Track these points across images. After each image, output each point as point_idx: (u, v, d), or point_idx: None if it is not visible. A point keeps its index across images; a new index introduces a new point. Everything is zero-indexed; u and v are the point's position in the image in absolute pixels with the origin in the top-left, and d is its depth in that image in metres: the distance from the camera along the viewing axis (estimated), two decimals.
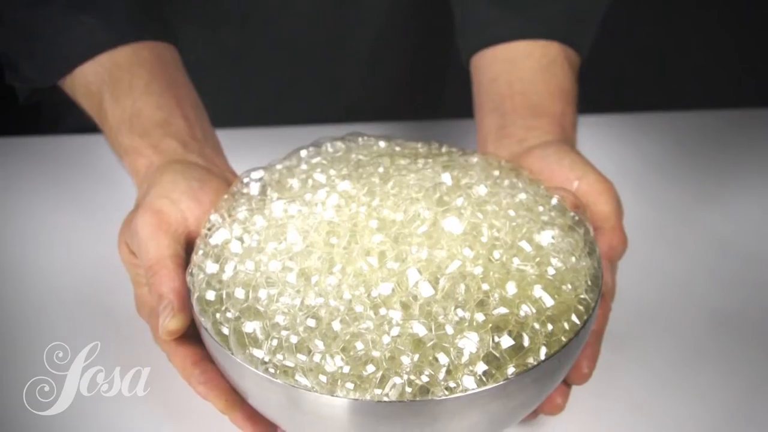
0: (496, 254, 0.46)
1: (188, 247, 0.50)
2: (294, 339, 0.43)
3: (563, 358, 0.44)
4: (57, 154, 0.76)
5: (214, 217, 0.50)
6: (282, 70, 0.82)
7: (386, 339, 0.42)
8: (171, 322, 0.47)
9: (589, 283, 0.47)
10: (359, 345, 0.42)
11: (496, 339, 0.43)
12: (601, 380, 0.53)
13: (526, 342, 0.43)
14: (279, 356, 0.43)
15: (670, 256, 0.68)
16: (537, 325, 0.44)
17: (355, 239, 0.46)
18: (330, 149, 0.55)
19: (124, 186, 0.57)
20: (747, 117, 0.86)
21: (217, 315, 0.45)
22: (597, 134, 0.67)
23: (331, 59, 0.82)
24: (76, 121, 0.68)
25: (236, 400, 0.47)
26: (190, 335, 0.48)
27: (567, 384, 0.50)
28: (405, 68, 0.87)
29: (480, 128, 0.62)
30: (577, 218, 0.50)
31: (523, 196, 0.50)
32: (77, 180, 0.73)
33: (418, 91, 0.90)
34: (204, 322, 0.45)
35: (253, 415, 0.47)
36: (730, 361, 0.59)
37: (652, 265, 0.66)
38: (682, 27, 1.24)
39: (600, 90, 0.83)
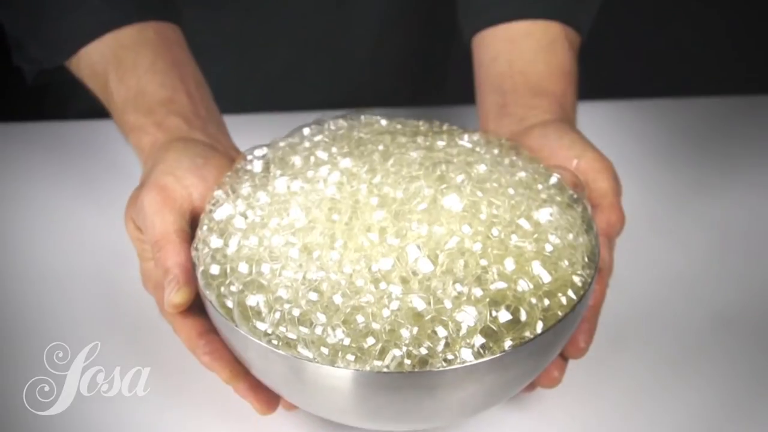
0: (495, 231, 0.46)
1: (193, 222, 0.51)
2: (296, 312, 0.44)
3: (559, 332, 0.45)
4: (62, 140, 0.75)
5: (219, 193, 0.51)
6: (286, 56, 0.82)
7: (386, 312, 0.43)
8: (176, 296, 0.47)
9: (586, 259, 0.48)
10: (360, 318, 0.43)
11: (494, 313, 0.44)
12: (599, 368, 0.54)
13: (523, 316, 0.44)
14: (282, 328, 0.44)
15: (669, 245, 0.67)
16: (534, 300, 0.45)
17: (357, 215, 0.47)
18: (332, 127, 0.55)
19: (131, 176, 0.57)
20: (749, 103, 0.85)
21: (222, 288, 0.46)
22: (596, 121, 0.67)
23: (335, 45, 0.82)
24: (80, 105, 0.68)
25: (240, 371, 0.48)
26: (195, 308, 0.49)
27: (564, 358, 0.50)
28: (408, 54, 0.87)
29: (480, 107, 0.62)
30: (575, 196, 0.51)
31: (522, 174, 0.51)
32: (83, 166, 0.72)
33: (421, 77, 0.91)
34: (209, 295, 0.46)
35: (256, 385, 0.48)
36: (729, 354, 0.58)
37: (651, 255, 0.66)
38: (683, 13, 1.24)
39: (599, 76, 0.83)
